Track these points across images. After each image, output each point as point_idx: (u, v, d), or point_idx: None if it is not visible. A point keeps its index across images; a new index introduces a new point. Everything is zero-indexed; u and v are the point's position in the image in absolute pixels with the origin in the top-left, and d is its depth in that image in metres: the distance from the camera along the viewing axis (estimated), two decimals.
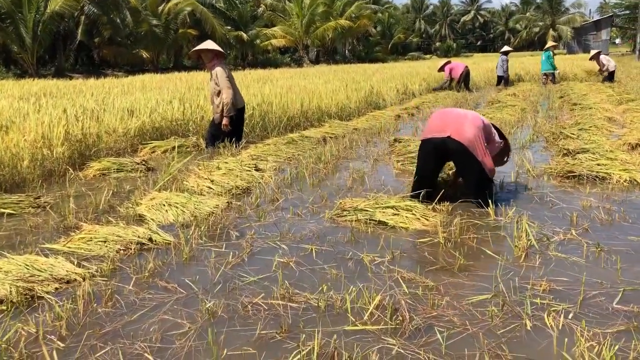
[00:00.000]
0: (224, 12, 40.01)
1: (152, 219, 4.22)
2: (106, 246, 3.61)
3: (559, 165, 5.38)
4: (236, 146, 7.23)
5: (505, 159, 5.01)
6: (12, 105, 9.15)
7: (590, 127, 7.77)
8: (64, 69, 30.67)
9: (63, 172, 5.83)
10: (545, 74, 17.59)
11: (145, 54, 35.20)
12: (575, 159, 5.78)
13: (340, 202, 4.32)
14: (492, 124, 4.71)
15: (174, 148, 7.20)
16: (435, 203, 4.26)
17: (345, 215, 4.14)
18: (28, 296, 2.89)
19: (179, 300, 2.84)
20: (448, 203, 4.32)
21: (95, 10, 30.52)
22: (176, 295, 2.89)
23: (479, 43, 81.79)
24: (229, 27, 38.23)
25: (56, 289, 3.01)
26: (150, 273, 3.17)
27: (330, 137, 8.10)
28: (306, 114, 9.30)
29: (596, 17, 64.89)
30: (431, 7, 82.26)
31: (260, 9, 46.38)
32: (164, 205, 4.43)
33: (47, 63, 32.38)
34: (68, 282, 3.09)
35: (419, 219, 4.00)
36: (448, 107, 11.82)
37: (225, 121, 7.21)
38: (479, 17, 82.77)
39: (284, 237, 3.75)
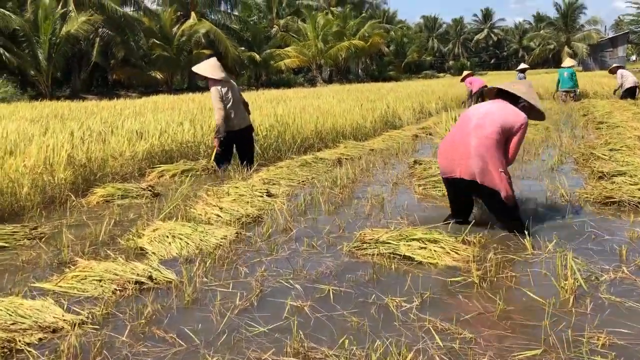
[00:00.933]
0: (237, 33, 40.13)
1: (153, 252, 3.86)
2: (101, 286, 3.25)
3: (596, 189, 4.96)
4: (247, 169, 6.90)
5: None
6: (20, 128, 8.92)
7: (621, 147, 7.32)
8: (79, 90, 30.77)
9: (65, 199, 5.50)
10: (566, 91, 17.11)
11: (159, 75, 35.31)
12: (612, 182, 5.36)
13: (360, 234, 3.93)
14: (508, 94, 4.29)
15: (182, 172, 6.89)
16: (466, 234, 3.85)
17: (366, 249, 3.75)
18: (6, 349, 2.53)
19: (177, 355, 2.46)
20: (480, 234, 3.91)
21: (110, 32, 30.66)
22: (174, 348, 2.51)
23: (492, 61, 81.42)
24: (242, 48, 38.29)
25: (40, 339, 2.64)
26: (147, 320, 2.80)
27: (345, 158, 7.74)
28: (320, 134, 8.96)
29: (611, 34, 64.42)
30: (444, 26, 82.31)
31: (273, 29, 46.52)
32: (168, 237, 4.07)
33: (62, 85, 32.53)
34: (54, 330, 2.72)
35: (448, 252, 3.60)
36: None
37: (215, 142, 7.00)
38: (493, 36, 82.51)
39: (298, 274, 3.37)
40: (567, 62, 18.31)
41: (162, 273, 3.40)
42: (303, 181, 6.24)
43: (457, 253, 3.61)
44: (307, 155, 7.74)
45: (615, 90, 16.86)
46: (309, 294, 3.07)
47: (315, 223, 4.54)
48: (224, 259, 3.68)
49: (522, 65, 17.10)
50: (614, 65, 17.26)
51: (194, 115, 10.72)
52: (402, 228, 3.93)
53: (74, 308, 2.94)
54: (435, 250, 3.60)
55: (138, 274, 3.34)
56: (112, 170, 6.61)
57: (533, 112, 4.31)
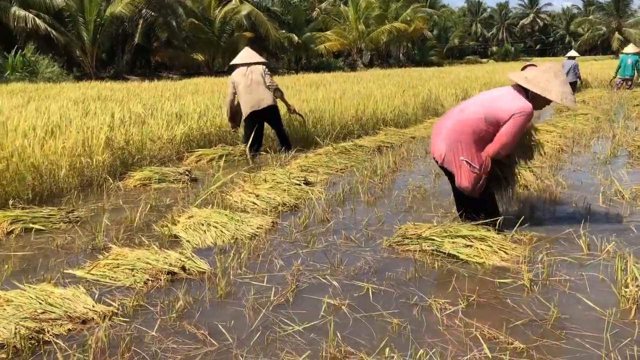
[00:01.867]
0: (278, 16, 39.91)
1: (188, 240, 3.77)
2: (133, 275, 3.16)
3: None
4: (285, 153, 6.81)
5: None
6: (62, 108, 8.98)
7: None
8: (122, 71, 31.14)
9: (102, 182, 5.47)
10: (624, 79, 16.32)
11: (200, 57, 35.42)
12: None
13: (401, 228, 3.74)
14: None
15: (220, 157, 6.80)
16: (516, 232, 3.63)
17: (407, 244, 3.56)
18: (34, 340, 2.46)
19: (208, 356, 2.34)
20: (531, 233, 3.68)
21: (153, 13, 30.84)
22: (205, 347, 2.40)
23: (537, 47, 79.13)
24: (283, 31, 38.07)
25: (69, 330, 2.57)
26: (178, 314, 2.70)
27: (386, 146, 7.53)
28: (360, 120, 8.74)
29: None
30: (489, 10, 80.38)
31: (314, 12, 46.11)
32: (203, 224, 3.97)
33: (106, 65, 32.98)
34: (84, 322, 2.64)
35: (496, 252, 3.38)
36: None
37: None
38: (539, 20, 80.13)
39: (335, 270, 3.22)
40: (630, 47, 17.37)
41: (195, 263, 3.29)
42: (342, 169, 6.07)
43: (505, 252, 3.40)
44: (346, 142, 7.55)
45: None
46: (347, 292, 2.92)
47: (354, 214, 4.37)
48: (259, 250, 3.56)
49: (573, 52, 16.26)
50: None
51: None
52: (446, 223, 3.73)
53: (105, 298, 2.86)
54: (482, 249, 3.39)
55: (171, 264, 3.24)
56: (150, 153, 6.56)
57: (541, 101, 3.74)
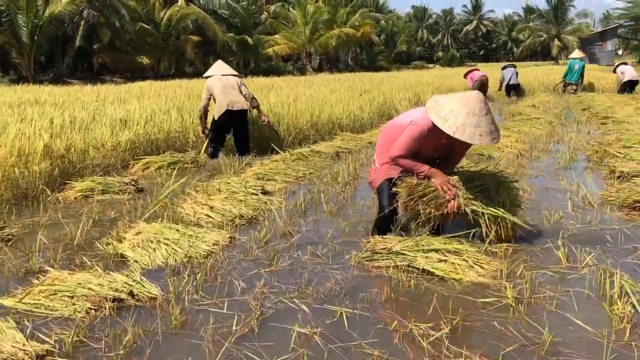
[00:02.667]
0: (226, 19, 39.30)
1: (136, 261, 3.39)
2: (74, 304, 2.77)
3: (623, 192, 4.54)
4: (240, 160, 6.52)
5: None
6: None
7: (634, 144, 6.93)
8: (63, 75, 29.87)
9: (39, 194, 4.99)
10: (570, 84, 16.74)
11: (145, 60, 34.45)
12: (635, 183, 4.97)
13: (370, 242, 3.48)
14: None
15: (169, 164, 6.39)
16: (489, 244, 3.42)
17: (378, 259, 3.30)
18: None
19: None
20: (506, 244, 3.48)
21: (95, 14, 29.75)
22: None
23: (481, 53, 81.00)
24: (231, 34, 37.48)
25: None
26: (126, 350, 2.34)
27: (343, 152, 7.29)
28: (316, 125, 8.48)
29: (599, 28, 64.34)
30: (434, 16, 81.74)
31: (263, 16, 45.68)
32: (152, 241, 3.59)
33: (45, 69, 31.58)
34: None
35: (472, 266, 3.16)
36: None
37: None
38: (482, 27, 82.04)
39: (303, 292, 2.92)
40: (576, 53, 17.88)
41: (145, 287, 2.93)
42: (300, 177, 5.78)
43: (481, 267, 3.18)
44: (302, 148, 7.27)
45: (618, 90, 16.52)
46: (318, 318, 2.62)
47: (318, 226, 4.09)
48: (216, 270, 3.22)
49: (506, 64, 16.72)
50: (618, 62, 16.95)
51: (181, 103, 10.14)
52: (418, 236, 3.48)
53: (39, 333, 2.46)
54: (457, 264, 3.16)
55: (117, 289, 2.87)
56: (93, 161, 6.10)
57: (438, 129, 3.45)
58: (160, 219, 4.12)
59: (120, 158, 6.51)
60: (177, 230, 3.80)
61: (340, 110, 9.35)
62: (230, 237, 3.80)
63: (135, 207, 4.63)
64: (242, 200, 4.63)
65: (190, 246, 3.57)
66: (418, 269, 3.14)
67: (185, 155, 6.68)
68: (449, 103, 3.42)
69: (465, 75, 15.50)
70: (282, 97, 11.08)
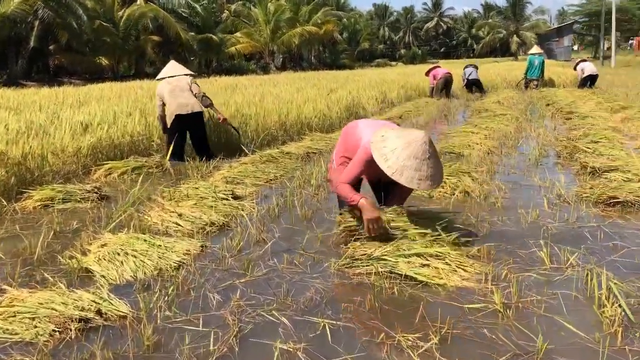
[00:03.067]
0: (186, 18, 38.70)
1: (102, 275, 3.18)
2: (35, 326, 2.57)
3: (597, 189, 4.53)
4: (206, 164, 6.30)
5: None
6: None
7: (600, 138, 7.01)
8: (17, 77, 28.89)
9: None
10: (532, 80, 17.02)
11: (104, 61, 33.68)
12: (607, 179, 4.99)
13: (349, 248, 3.37)
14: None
15: (133, 170, 6.16)
16: (471, 246, 3.34)
17: (358, 266, 3.18)
18: None
19: None
20: (486, 245, 3.40)
21: (50, 13, 28.85)
22: None
23: (442, 50, 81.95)
24: (192, 33, 36.93)
25: None
26: None
27: (313, 152, 7.15)
28: (284, 126, 8.32)
29: (556, 24, 65.83)
30: (395, 13, 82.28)
31: (224, 14, 45.19)
32: (119, 254, 3.39)
33: None
34: None
35: (455, 270, 3.07)
36: (429, 117, 11.06)
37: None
38: (442, 24, 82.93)
39: (283, 303, 2.77)
40: (535, 48, 18.23)
41: (113, 305, 2.74)
42: (271, 179, 5.62)
43: (465, 270, 3.09)
44: (271, 149, 7.11)
45: (578, 85, 16.89)
46: (300, 331, 2.48)
47: (292, 232, 3.94)
48: (189, 283, 3.05)
49: (467, 65, 17.11)
50: (577, 60, 17.36)
51: (144, 105, 9.85)
52: (398, 240, 3.37)
53: None
54: (441, 268, 3.07)
55: (83, 308, 2.67)
56: (53, 168, 5.82)
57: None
58: (126, 229, 3.92)
59: (81, 164, 6.24)
60: (145, 240, 3.61)
61: (309, 109, 9.21)
62: (201, 246, 3.62)
63: (99, 216, 4.40)
64: (212, 206, 4.45)
65: (160, 257, 3.38)
66: (400, 274, 3.03)
67: (150, 159, 6.45)
68: (393, 140, 3.29)
69: (427, 73, 15.57)
70: (247, 97, 10.90)
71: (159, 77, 7.24)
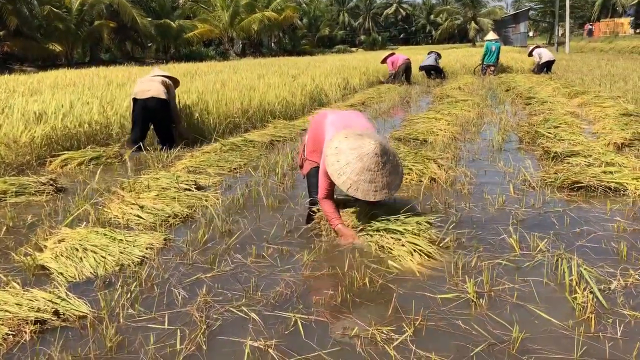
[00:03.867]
0: (143, 3, 37.72)
1: (60, 273, 3.03)
2: None
3: (561, 174, 4.57)
4: (167, 153, 6.12)
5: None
6: None
7: (560, 123, 7.10)
8: None
9: None
10: (489, 65, 17.24)
11: (58, 48, 32.54)
12: (569, 164, 5.05)
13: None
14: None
15: (90, 160, 5.94)
16: (438, 232, 3.31)
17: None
18: None
19: None
20: (453, 232, 3.37)
21: None
22: None
23: (401, 36, 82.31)
24: (149, 19, 36.03)
25: None
26: None
27: (277, 140, 7.04)
28: (247, 113, 8.17)
29: (511, 11, 66.92)
30: (354, 0, 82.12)
31: (181, 0, 44.26)
32: (78, 249, 3.24)
33: None
34: None
35: (425, 257, 3.04)
36: (392, 103, 11.06)
37: None
38: (401, 10, 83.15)
39: (252, 298, 2.68)
40: (491, 35, 18.47)
41: (72, 305, 2.60)
42: (235, 168, 5.50)
43: (433, 258, 3.06)
44: (234, 137, 6.97)
45: (534, 69, 17.17)
46: (271, 328, 2.40)
47: (259, 223, 3.84)
48: (152, 279, 2.93)
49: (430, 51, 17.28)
50: (532, 46, 17.60)
51: (101, 93, 9.54)
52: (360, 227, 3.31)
53: None
54: (406, 253, 3.03)
55: (39, 309, 2.53)
56: (5, 160, 5.56)
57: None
58: (85, 223, 3.75)
59: (35, 155, 6.00)
60: (105, 234, 3.46)
61: (272, 96, 9.06)
62: (164, 239, 3.49)
63: (56, 209, 4.22)
64: (174, 198, 4.31)
65: (121, 252, 3.25)
66: (372, 265, 2.97)
67: (108, 149, 6.23)
68: (346, 154, 3.19)
69: (384, 60, 15.63)
70: (208, 84, 10.66)
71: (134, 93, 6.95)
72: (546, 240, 3.21)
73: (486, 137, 6.89)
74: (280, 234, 3.58)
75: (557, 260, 2.90)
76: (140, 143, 6.56)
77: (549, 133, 6.45)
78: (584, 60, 24.21)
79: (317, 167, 3.61)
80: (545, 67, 16.52)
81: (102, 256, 3.20)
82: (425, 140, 6.60)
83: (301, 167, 3.91)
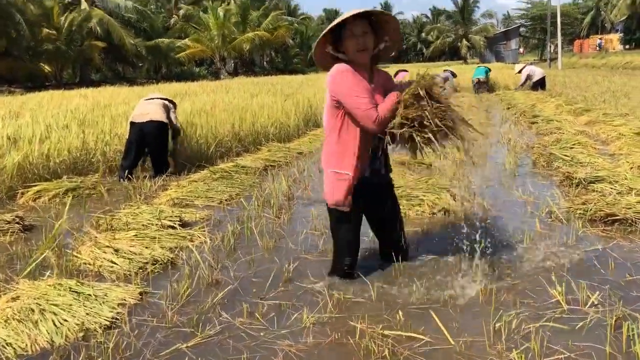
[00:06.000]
0: (134, 23, 37.40)
1: (8, 343, 2.47)
2: None
3: (591, 204, 4.05)
4: (153, 184, 5.59)
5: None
6: None
7: (574, 144, 6.64)
8: None
9: None
10: (479, 79, 17.07)
11: (47, 68, 32.07)
12: (596, 191, 4.56)
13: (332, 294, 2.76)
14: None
15: (67, 192, 5.39)
16: (467, 284, 2.79)
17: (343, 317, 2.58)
18: None
19: None
20: (482, 280, 2.84)
21: None
22: None
23: (392, 54, 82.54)
24: (140, 39, 35.68)
25: None
26: None
27: (272, 166, 6.53)
28: (239, 135, 7.66)
29: (502, 28, 67.30)
30: None
31: (172, 19, 43.99)
32: (34, 310, 2.69)
33: None
34: None
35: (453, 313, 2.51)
36: None
37: None
38: None
39: None
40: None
41: None
42: (226, 200, 4.96)
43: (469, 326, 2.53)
44: (225, 162, 6.46)
45: (517, 88, 16.89)
46: None
47: (253, 270, 3.30)
48: (122, 350, 2.38)
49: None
50: (519, 67, 17.30)
51: (83, 115, 9.03)
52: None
53: None
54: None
55: None
56: None
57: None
58: (49, 272, 3.21)
59: (6, 186, 5.44)
60: (71, 288, 2.91)
61: (265, 117, 8.56)
62: (140, 294, 2.95)
63: (18, 254, 3.66)
64: (155, 238, 3.77)
65: (87, 314, 2.70)
66: (392, 327, 2.44)
67: (86, 179, 5.69)
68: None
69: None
70: (198, 105, 10.18)
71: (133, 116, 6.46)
72: (598, 292, 2.68)
73: (496, 159, 6.41)
74: (277, 283, 3.04)
75: (616, 320, 2.38)
76: (129, 170, 6.06)
77: (565, 156, 5.96)
78: (578, 76, 23.97)
79: (342, 214, 2.95)
80: (539, 85, 16.18)
81: (63, 319, 2.64)
82: (431, 164, 6.10)
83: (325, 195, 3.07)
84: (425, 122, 2.71)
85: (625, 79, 19.66)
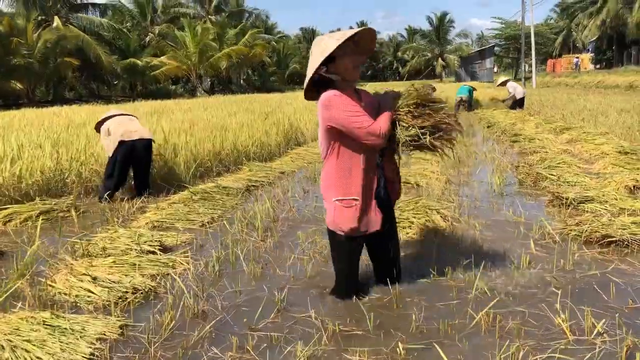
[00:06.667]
0: (109, 41, 37.03)
1: None
2: None
3: (584, 225, 3.97)
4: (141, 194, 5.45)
5: None
6: None
7: (559, 163, 6.61)
8: None
9: None
10: (462, 100, 17.15)
11: (19, 86, 31.44)
12: (585, 211, 4.51)
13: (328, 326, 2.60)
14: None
15: (40, 214, 5.15)
16: (463, 310, 2.65)
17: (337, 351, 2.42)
18: None
19: None
20: (482, 307, 2.72)
21: None
22: None
23: (369, 72, 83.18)
24: (115, 56, 35.31)
25: None
26: None
27: (254, 186, 6.36)
28: (219, 155, 7.48)
29: (476, 48, 68.38)
30: None
31: (148, 37, 43.71)
32: (4, 347, 2.48)
33: None
34: None
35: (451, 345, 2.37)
36: None
37: None
38: None
39: None
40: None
41: None
42: (208, 222, 4.78)
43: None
44: (205, 183, 6.27)
45: (504, 100, 17.05)
46: None
47: (239, 299, 3.12)
48: None
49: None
50: (502, 80, 17.47)
51: (58, 134, 8.76)
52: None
53: None
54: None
55: None
56: None
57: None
58: (21, 303, 3.00)
59: None
60: (45, 322, 2.71)
61: (245, 136, 8.41)
62: (120, 327, 2.75)
63: None
64: (135, 264, 3.57)
65: (63, 350, 2.50)
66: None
67: (60, 201, 5.45)
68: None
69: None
70: (176, 123, 9.98)
71: (102, 117, 6.28)
72: (603, 320, 2.57)
73: (482, 179, 6.33)
74: (267, 314, 2.87)
75: (627, 350, 2.27)
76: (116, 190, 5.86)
77: (551, 175, 5.93)
78: (553, 94, 24.30)
79: (346, 240, 2.87)
80: (518, 104, 16.32)
81: (37, 356, 2.44)
82: (418, 184, 6.00)
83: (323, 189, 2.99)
84: (440, 126, 2.84)
85: (600, 98, 19.95)
